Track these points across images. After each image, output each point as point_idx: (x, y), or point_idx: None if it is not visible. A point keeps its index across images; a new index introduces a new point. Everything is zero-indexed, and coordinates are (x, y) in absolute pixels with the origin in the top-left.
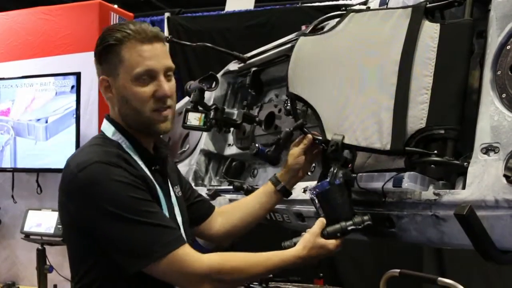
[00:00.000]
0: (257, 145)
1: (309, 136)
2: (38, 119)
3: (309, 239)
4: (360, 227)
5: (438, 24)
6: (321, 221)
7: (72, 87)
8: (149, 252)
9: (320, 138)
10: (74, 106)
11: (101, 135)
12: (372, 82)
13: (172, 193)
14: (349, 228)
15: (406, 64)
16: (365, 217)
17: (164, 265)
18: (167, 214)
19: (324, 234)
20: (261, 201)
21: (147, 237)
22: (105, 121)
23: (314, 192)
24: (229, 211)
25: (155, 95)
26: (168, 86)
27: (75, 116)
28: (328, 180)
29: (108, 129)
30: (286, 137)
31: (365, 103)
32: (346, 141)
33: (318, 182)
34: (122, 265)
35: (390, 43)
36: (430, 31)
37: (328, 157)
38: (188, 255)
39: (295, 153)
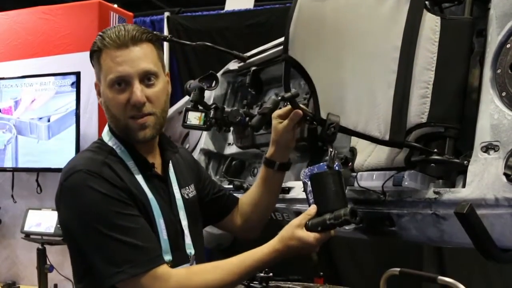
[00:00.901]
0: (240, 111)
1: (299, 112)
2: (40, 118)
3: (287, 230)
4: (338, 221)
5: (439, 18)
6: (306, 213)
7: (72, 83)
8: (116, 272)
9: (312, 114)
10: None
11: (99, 139)
12: (371, 64)
13: (178, 196)
14: (329, 222)
15: (407, 53)
16: (344, 212)
17: (132, 286)
18: (162, 222)
19: (307, 226)
20: (265, 188)
21: (117, 254)
22: (106, 126)
23: (309, 173)
24: (241, 205)
25: (129, 102)
26: (143, 92)
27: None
28: (326, 163)
29: (106, 134)
30: (273, 108)
31: (364, 86)
32: (342, 123)
33: (309, 166)
34: (95, 277)
35: (389, 26)
36: (431, 23)
37: (323, 138)
38: (156, 277)
39: (282, 129)
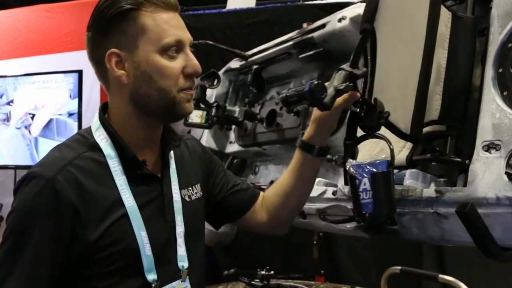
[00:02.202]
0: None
1: (358, 94)
2: (71, 115)
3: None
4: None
5: (451, 14)
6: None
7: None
8: None
9: (363, 98)
10: None
11: (85, 130)
12: (406, 49)
13: (177, 198)
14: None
15: (430, 44)
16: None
17: None
18: (144, 235)
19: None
20: (300, 177)
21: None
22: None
23: (367, 171)
24: (269, 198)
25: (184, 71)
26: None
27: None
28: (389, 160)
29: (95, 122)
30: (350, 85)
31: (399, 72)
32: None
33: (347, 155)
34: None
35: (418, 12)
36: (445, 18)
37: (370, 127)
38: None
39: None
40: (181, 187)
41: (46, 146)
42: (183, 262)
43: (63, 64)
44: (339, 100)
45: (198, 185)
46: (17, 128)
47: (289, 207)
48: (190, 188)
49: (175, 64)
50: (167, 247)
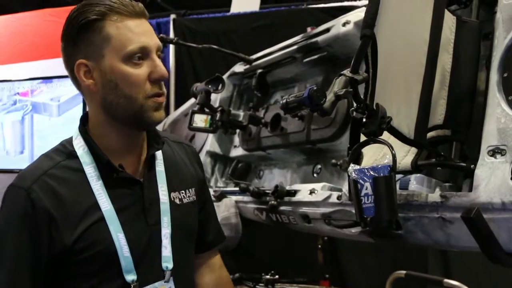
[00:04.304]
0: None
1: None
2: None
3: None
4: None
5: (455, 18)
6: None
7: None
8: None
9: (365, 104)
10: None
11: (67, 139)
12: (408, 54)
13: (164, 200)
14: None
15: (433, 49)
16: None
17: None
18: (121, 237)
19: None
20: None
21: None
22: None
23: (369, 175)
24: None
25: (150, 77)
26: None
27: None
28: (391, 165)
29: (76, 131)
30: (349, 91)
31: (402, 76)
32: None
33: (350, 160)
34: None
35: (420, 17)
36: (449, 23)
37: (373, 132)
38: None
39: None
40: (170, 190)
41: None
42: (167, 263)
43: None
44: None
45: (193, 189)
46: None
47: None
48: (183, 191)
49: (140, 71)
50: (150, 248)
